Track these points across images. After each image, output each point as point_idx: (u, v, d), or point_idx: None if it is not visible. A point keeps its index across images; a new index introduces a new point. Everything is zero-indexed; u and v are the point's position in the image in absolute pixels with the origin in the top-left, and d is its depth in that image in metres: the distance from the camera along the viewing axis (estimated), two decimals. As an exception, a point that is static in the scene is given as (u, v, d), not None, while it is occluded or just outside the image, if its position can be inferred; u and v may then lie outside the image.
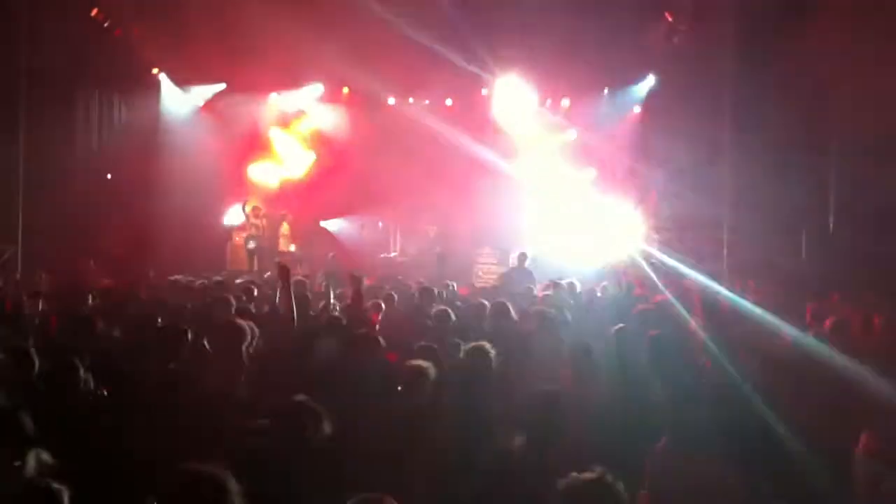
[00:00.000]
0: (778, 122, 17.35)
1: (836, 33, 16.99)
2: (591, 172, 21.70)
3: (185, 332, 6.71)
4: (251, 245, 20.26)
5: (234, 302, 9.24)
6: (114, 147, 19.02)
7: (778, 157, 17.44)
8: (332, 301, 9.60)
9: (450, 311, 8.78)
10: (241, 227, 21.01)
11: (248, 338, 6.52)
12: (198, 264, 18.22)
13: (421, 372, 5.65)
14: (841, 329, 8.32)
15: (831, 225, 17.60)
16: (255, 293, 11.12)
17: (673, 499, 4.42)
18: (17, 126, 17.90)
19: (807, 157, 17.70)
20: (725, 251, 18.02)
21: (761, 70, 17.75)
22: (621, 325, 7.06)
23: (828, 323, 8.75)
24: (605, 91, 21.93)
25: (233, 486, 3.35)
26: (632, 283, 13.92)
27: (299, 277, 14.98)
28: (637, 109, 21.73)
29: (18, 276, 15.54)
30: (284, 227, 21.51)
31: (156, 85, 21.22)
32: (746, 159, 17.74)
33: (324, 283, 11.56)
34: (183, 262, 18.41)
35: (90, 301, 10.61)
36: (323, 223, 22.16)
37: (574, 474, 3.54)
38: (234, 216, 21.46)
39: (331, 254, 19.32)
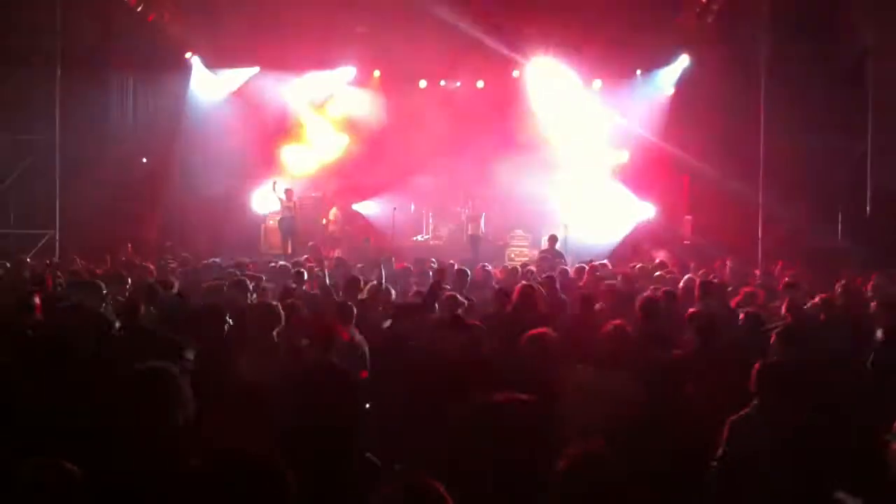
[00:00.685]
0: (815, 101, 17.19)
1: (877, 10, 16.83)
2: (624, 155, 21.57)
3: (224, 314, 6.76)
4: (284, 227, 20.34)
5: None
6: (148, 132, 19.18)
7: (814, 137, 17.27)
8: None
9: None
10: (275, 211, 21.08)
11: (281, 322, 6.58)
12: (232, 247, 18.36)
13: None
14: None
15: (868, 207, 17.38)
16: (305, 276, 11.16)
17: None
18: (53, 112, 18.07)
19: (844, 138, 17.51)
20: (760, 233, 17.84)
21: (797, 51, 17.55)
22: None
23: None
24: (638, 73, 21.74)
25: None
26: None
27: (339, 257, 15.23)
28: (670, 91, 21.50)
29: (57, 259, 15.69)
30: (318, 211, 21.63)
31: (189, 69, 21.32)
32: (782, 140, 17.54)
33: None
34: (217, 245, 18.59)
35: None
36: (356, 206, 22.18)
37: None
38: (267, 199, 21.54)
39: (366, 238, 19.37)
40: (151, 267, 12.60)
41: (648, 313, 7.50)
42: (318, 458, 4.94)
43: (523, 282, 9.47)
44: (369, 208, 22.42)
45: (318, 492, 4.34)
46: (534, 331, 6.04)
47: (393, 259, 13.87)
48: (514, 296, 8.23)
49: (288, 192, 20.49)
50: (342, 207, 22.02)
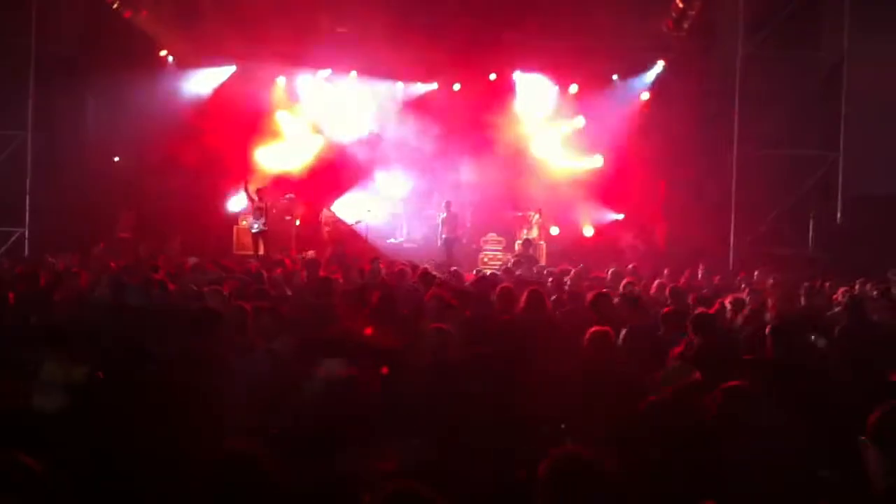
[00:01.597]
0: (789, 108, 17.34)
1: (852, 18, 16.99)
2: (598, 160, 21.63)
3: (220, 316, 6.71)
4: (255, 228, 20.22)
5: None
6: (121, 130, 19.02)
7: (786, 144, 17.43)
8: None
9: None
10: (247, 211, 20.96)
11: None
12: (205, 248, 18.27)
13: None
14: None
15: (839, 215, 17.54)
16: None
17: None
18: (26, 109, 17.94)
19: (816, 145, 17.68)
20: (732, 240, 17.94)
21: (772, 58, 17.69)
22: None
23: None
24: (615, 77, 21.80)
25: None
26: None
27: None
28: (646, 96, 21.59)
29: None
30: (291, 212, 21.55)
31: (164, 67, 21.19)
32: (755, 147, 17.67)
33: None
34: (190, 245, 18.50)
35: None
36: (330, 208, 22.09)
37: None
38: (239, 200, 21.45)
39: (338, 240, 19.31)
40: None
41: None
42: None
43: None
44: (343, 210, 22.33)
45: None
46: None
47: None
48: (523, 299, 8.27)
49: (260, 192, 20.36)
50: (316, 210, 21.91)
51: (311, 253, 19.03)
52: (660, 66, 20.84)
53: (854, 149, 17.59)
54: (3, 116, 17.94)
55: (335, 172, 21.93)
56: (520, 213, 21.00)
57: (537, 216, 20.52)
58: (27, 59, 17.87)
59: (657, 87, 21.12)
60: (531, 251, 18.93)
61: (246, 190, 20.35)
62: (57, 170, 18.31)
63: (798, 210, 17.87)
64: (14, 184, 17.89)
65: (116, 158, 20.09)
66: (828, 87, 17.85)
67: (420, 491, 3.02)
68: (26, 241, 17.88)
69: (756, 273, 13.94)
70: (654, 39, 20.08)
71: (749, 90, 17.86)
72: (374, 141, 22.11)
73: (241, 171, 21.43)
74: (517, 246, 19.55)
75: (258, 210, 20.06)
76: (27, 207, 17.98)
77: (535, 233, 20.35)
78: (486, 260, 19.86)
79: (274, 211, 20.66)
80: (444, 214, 20.70)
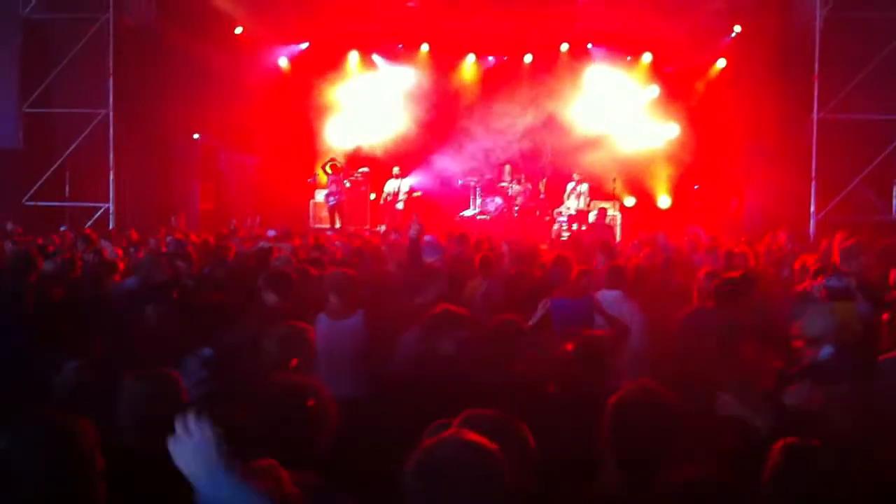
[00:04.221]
0: (870, 71, 16.93)
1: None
2: (674, 129, 21.37)
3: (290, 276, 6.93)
4: (331, 202, 20.50)
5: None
6: (199, 106, 19.36)
7: (869, 108, 17.02)
8: None
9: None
10: (322, 185, 21.27)
11: None
12: (281, 222, 18.56)
13: None
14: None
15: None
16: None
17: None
18: (107, 86, 18.36)
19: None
20: (813, 207, 17.59)
21: (852, 19, 17.25)
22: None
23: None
24: (689, 44, 21.46)
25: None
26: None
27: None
28: (722, 62, 21.21)
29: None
30: (366, 185, 21.74)
31: (240, 44, 21.47)
32: (836, 111, 17.28)
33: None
34: (266, 219, 18.82)
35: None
36: (404, 181, 22.17)
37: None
38: (315, 174, 21.75)
39: (414, 215, 19.36)
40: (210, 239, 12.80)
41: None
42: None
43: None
44: (416, 183, 22.41)
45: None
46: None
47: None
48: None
49: (333, 166, 20.65)
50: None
51: (383, 227, 19.31)
52: (736, 30, 20.40)
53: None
54: (87, 93, 18.37)
55: (408, 147, 22.03)
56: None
57: (585, 185, 20.33)
58: (106, 36, 18.27)
59: (734, 52, 20.71)
60: (606, 222, 18.85)
61: (323, 167, 20.68)
62: (138, 146, 18.76)
63: (881, 176, 17.44)
64: (98, 160, 18.35)
65: (196, 136, 20.45)
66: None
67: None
68: (111, 215, 18.36)
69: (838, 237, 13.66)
70: (730, 3, 19.69)
71: (828, 53, 17.43)
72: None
73: (316, 145, 21.74)
74: (591, 218, 19.48)
75: (333, 184, 20.35)
76: (111, 183, 18.44)
77: (581, 202, 20.18)
78: (562, 230, 19.81)
79: (349, 185, 20.89)
80: (518, 186, 20.72)
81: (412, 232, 8.65)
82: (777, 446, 3.21)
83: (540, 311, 6.27)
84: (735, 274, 7.59)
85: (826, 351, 4.81)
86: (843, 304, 6.60)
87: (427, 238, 10.07)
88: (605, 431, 3.60)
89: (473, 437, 2.81)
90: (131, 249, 11.67)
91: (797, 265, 9.23)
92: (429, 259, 8.99)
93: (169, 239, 12.31)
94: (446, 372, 4.74)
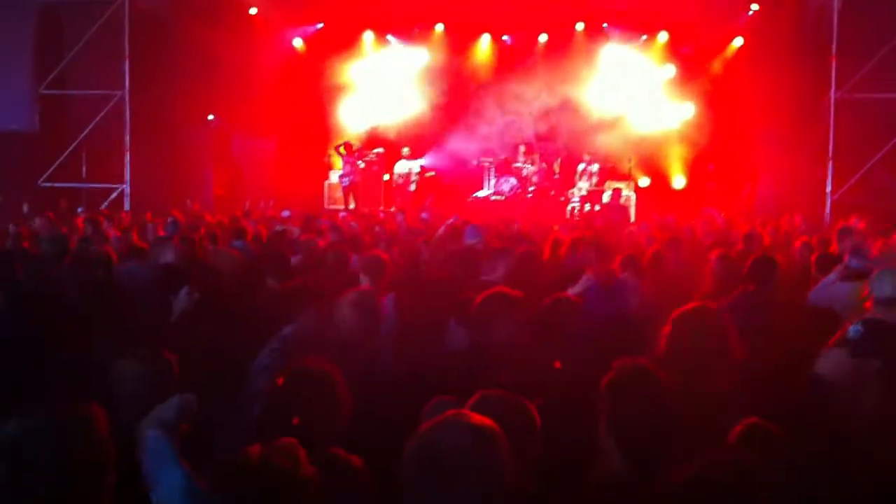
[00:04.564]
0: (887, 50, 16.77)
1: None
2: (690, 108, 21.22)
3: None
4: (346, 183, 20.52)
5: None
6: (214, 89, 19.39)
7: (887, 90, 16.87)
8: None
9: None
10: (337, 166, 21.31)
11: None
12: (296, 203, 18.61)
13: None
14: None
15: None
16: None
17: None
18: (122, 68, 18.42)
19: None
20: (829, 189, 17.47)
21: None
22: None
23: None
24: (706, 23, 21.27)
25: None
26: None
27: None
28: (739, 41, 21.02)
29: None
30: (380, 166, 21.73)
31: (254, 25, 21.44)
32: (853, 91, 17.13)
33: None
34: (281, 200, 18.86)
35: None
36: (414, 162, 22.11)
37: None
38: (329, 155, 21.76)
39: (429, 197, 19.38)
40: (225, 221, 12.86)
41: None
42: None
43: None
44: (429, 163, 22.38)
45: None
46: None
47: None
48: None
49: (347, 146, 20.64)
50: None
51: (396, 207, 19.35)
52: (754, 8, 20.20)
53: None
54: (102, 76, 18.44)
55: (422, 128, 22.00)
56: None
57: (596, 165, 20.29)
58: (121, 19, 18.30)
59: (751, 31, 20.51)
60: (621, 202, 18.78)
61: (337, 149, 20.69)
62: (153, 128, 18.83)
63: (897, 157, 17.31)
64: (113, 142, 18.45)
65: (211, 117, 20.50)
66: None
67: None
68: (127, 197, 18.46)
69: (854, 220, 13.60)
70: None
71: (846, 32, 17.26)
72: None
73: (330, 127, 21.74)
74: (605, 198, 19.42)
75: (347, 165, 20.36)
76: (127, 164, 18.53)
77: (593, 182, 20.14)
78: (574, 212, 19.76)
79: (363, 165, 20.89)
80: (534, 167, 20.68)
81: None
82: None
83: (582, 285, 6.39)
84: (757, 254, 7.59)
85: (855, 329, 4.79)
86: (862, 285, 6.60)
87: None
88: (602, 415, 3.52)
89: (475, 419, 2.69)
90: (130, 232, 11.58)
91: (797, 244, 9.22)
92: (470, 241, 9.05)
93: (169, 220, 12.28)
94: (503, 354, 4.71)
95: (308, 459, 2.85)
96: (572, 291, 6.23)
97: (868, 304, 5.26)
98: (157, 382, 3.80)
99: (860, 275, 6.91)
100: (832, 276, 7.43)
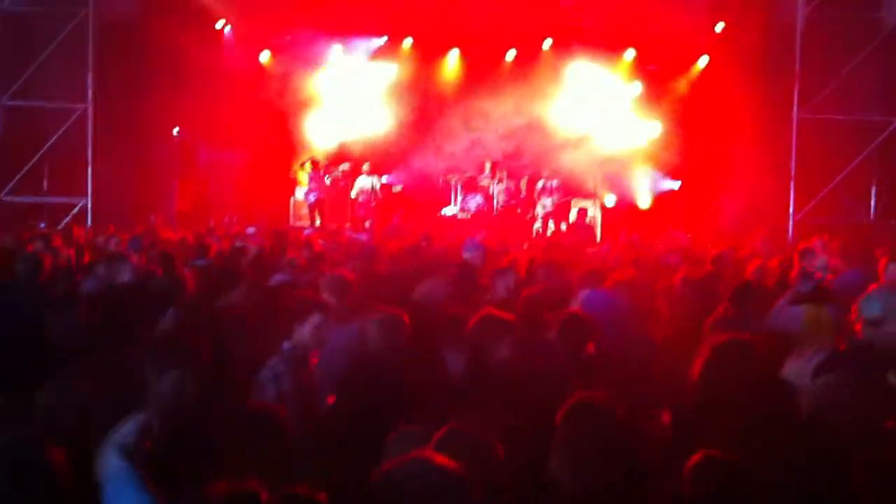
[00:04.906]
0: (850, 72, 17.00)
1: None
2: (657, 126, 21.38)
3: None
4: (311, 199, 20.43)
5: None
6: (180, 102, 19.27)
7: (850, 111, 17.10)
8: None
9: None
10: (303, 182, 21.21)
11: None
12: (261, 219, 18.52)
13: None
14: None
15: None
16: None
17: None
18: (87, 80, 18.25)
19: (879, 110, 17.31)
20: (792, 208, 17.65)
21: (833, 20, 17.32)
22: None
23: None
24: (672, 42, 21.42)
25: None
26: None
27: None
28: (705, 60, 21.22)
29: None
30: (347, 183, 21.63)
31: (220, 38, 21.33)
32: (816, 112, 17.34)
33: None
34: (247, 216, 18.75)
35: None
36: (381, 178, 22.04)
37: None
38: (295, 171, 21.66)
39: (396, 214, 19.32)
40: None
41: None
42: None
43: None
44: (396, 180, 22.31)
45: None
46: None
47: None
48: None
49: (314, 163, 20.56)
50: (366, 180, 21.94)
51: (368, 223, 19.33)
52: (719, 27, 20.40)
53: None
54: (67, 87, 18.26)
55: (389, 143, 21.97)
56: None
57: (555, 181, 20.32)
58: (86, 30, 18.14)
59: (716, 50, 20.71)
60: (586, 221, 18.87)
61: (302, 164, 20.62)
62: (118, 141, 18.65)
63: (860, 178, 17.52)
64: (76, 155, 18.25)
65: (176, 130, 20.37)
66: (891, 50, 17.42)
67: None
68: (89, 211, 18.26)
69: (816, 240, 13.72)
70: (713, 2, 19.71)
71: (810, 52, 17.48)
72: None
73: (298, 141, 21.66)
74: (572, 217, 19.48)
75: (313, 181, 20.28)
76: (90, 178, 18.33)
77: (555, 198, 20.18)
78: (541, 231, 19.81)
79: (329, 182, 20.81)
80: (501, 184, 20.70)
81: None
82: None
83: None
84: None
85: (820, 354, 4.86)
86: (814, 308, 6.66)
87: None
88: (555, 449, 3.53)
89: (440, 462, 2.69)
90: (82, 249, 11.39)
91: (751, 268, 9.21)
92: (467, 255, 9.01)
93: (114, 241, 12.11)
94: (504, 376, 4.75)
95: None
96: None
97: (858, 327, 5.31)
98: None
99: (811, 298, 7.01)
100: (783, 300, 7.54)
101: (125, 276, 7.77)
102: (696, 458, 3.34)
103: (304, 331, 5.31)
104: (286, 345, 5.24)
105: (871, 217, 17.46)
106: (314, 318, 5.33)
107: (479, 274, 8.25)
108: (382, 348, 5.23)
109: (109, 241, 12.29)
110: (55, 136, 18.17)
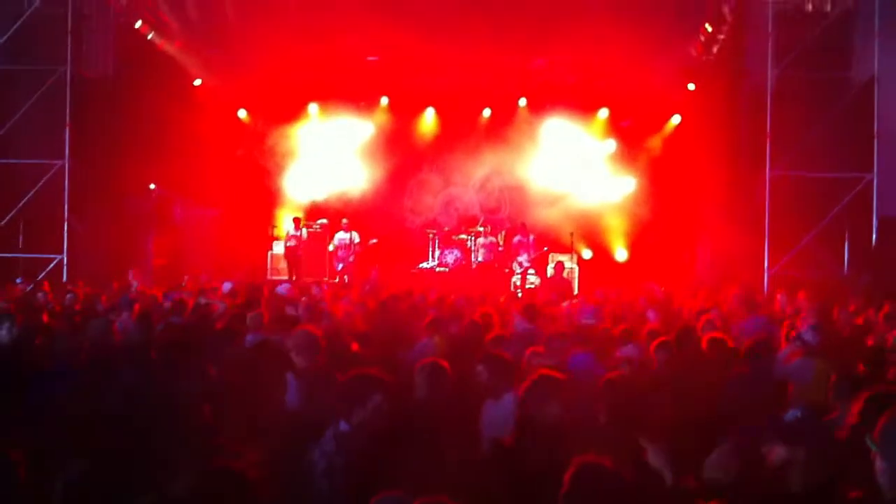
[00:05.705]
0: (821, 130, 17.30)
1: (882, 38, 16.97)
2: (631, 183, 21.65)
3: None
4: (291, 255, 20.40)
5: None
6: (157, 158, 19.31)
7: (820, 166, 17.39)
8: None
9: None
10: (282, 237, 21.21)
11: None
12: (239, 273, 18.46)
13: None
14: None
15: (874, 236, 17.42)
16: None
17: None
18: (63, 136, 18.25)
19: (850, 167, 17.60)
20: (767, 263, 17.83)
21: (803, 80, 17.67)
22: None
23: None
24: (645, 101, 21.78)
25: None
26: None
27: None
28: (677, 119, 21.59)
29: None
30: (325, 238, 21.65)
31: (197, 95, 21.43)
32: (788, 169, 17.61)
33: None
34: (223, 270, 18.68)
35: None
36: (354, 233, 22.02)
37: None
38: (274, 226, 21.67)
39: (374, 268, 19.31)
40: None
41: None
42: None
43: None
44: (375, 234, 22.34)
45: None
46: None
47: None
48: None
49: (295, 220, 20.62)
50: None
51: (346, 277, 19.34)
52: (691, 88, 20.79)
53: (888, 170, 17.48)
54: (42, 145, 18.23)
55: (366, 198, 22.08)
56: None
57: (531, 236, 20.44)
58: (63, 86, 18.19)
59: (688, 109, 21.09)
60: (564, 275, 18.94)
61: (295, 225, 20.61)
62: (94, 197, 18.61)
63: (832, 232, 17.76)
64: (52, 211, 18.18)
65: (152, 186, 20.38)
66: (859, 108, 17.77)
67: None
68: (65, 267, 18.13)
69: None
70: (685, 63, 20.09)
71: (780, 112, 17.80)
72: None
73: (275, 197, 21.72)
74: (549, 272, 19.57)
75: (292, 238, 20.29)
76: (65, 235, 18.24)
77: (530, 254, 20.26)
78: (519, 284, 19.86)
79: (306, 236, 20.81)
80: (482, 239, 20.76)
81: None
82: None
83: None
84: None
85: (793, 412, 4.95)
86: (822, 361, 6.82)
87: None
88: None
89: None
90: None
91: (699, 323, 9.25)
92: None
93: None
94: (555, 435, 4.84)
95: None
96: None
97: None
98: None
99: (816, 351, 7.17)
100: (785, 350, 7.67)
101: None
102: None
103: (365, 410, 4.90)
104: (343, 426, 4.85)
105: (845, 271, 17.64)
106: (375, 398, 4.93)
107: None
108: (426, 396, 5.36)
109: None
110: (31, 193, 18.09)
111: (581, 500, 3.60)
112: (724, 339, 7.65)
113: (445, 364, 5.70)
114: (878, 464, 3.47)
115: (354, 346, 7.56)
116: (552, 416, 5.04)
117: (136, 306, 10.34)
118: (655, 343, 7.51)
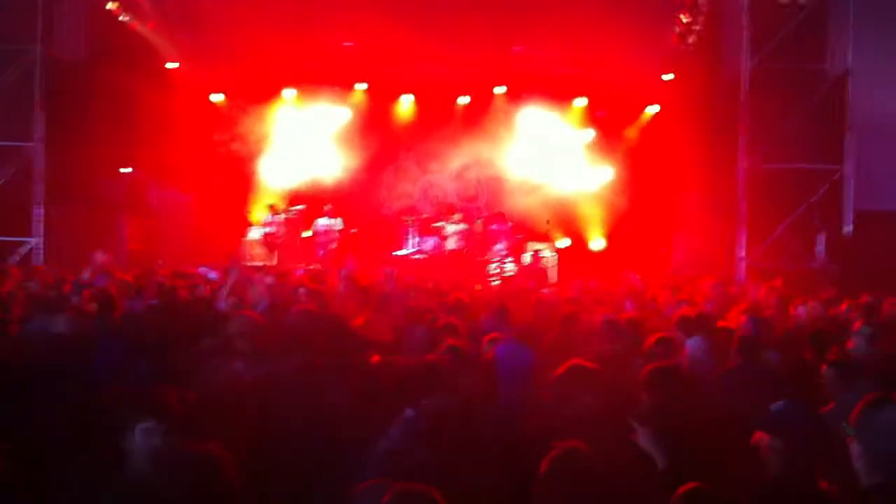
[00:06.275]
0: (795, 122, 17.42)
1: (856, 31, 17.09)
2: (609, 172, 21.71)
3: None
4: (268, 241, 20.30)
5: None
6: (131, 141, 19.12)
7: (794, 157, 17.51)
8: None
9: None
10: (258, 222, 21.10)
11: None
12: (214, 258, 18.31)
13: None
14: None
15: (847, 228, 17.58)
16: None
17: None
18: (34, 120, 18.02)
19: (824, 158, 17.73)
20: (743, 252, 17.95)
21: (778, 71, 17.76)
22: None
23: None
24: (622, 90, 21.83)
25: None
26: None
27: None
28: (655, 108, 21.67)
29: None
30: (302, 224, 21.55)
31: (172, 78, 21.23)
32: (762, 161, 17.72)
33: None
34: (198, 255, 18.56)
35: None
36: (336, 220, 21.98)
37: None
38: (249, 211, 21.55)
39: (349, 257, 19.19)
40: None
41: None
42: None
43: None
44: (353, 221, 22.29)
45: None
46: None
47: None
48: None
49: (272, 206, 20.53)
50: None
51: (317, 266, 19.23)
52: (668, 78, 20.86)
53: (861, 162, 17.63)
54: (13, 128, 17.99)
55: (343, 185, 21.99)
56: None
57: (509, 224, 20.46)
58: (34, 69, 17.95)
59: (666, 99, 21.18)
60: (540, 264, 18.98)
61: (269, 210, 20.49)
62: (67, 180, 18.41)
63: (806, 224, 17.89)
64: (25, 195, 17.97)
65: (129, 169, 20.20)
66: (834, 100, 17.90)
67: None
68: (41, 251, 17.96)
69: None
70: (662, 53, 20.15)
71: (755, 104, 17.89)
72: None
73: (251, 182, 21.58)
74: (526, 260, 19.59)
75: (269, 224, 20.20)
76: (40, 218, 18.05)
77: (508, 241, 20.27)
78: (496, 271, 19.85)
79: (285, 223, 20.71)
80: (458, 226, 20.72)
81: None
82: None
83: None
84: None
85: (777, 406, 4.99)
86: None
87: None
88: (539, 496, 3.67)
89: None
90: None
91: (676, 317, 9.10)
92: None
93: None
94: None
95: None
96: None
97: None
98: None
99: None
100: None
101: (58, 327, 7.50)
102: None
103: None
104: (409, 412, 4.86)
105: (818, 262, 17.78)
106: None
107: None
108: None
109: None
110: (4, 177, 17.87)
111: (557, 485, 3.65)
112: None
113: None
114: (854, 448, 3.53)
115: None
116: (586, 406, 5.05)
117: (86, 292, 9.54)
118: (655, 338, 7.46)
